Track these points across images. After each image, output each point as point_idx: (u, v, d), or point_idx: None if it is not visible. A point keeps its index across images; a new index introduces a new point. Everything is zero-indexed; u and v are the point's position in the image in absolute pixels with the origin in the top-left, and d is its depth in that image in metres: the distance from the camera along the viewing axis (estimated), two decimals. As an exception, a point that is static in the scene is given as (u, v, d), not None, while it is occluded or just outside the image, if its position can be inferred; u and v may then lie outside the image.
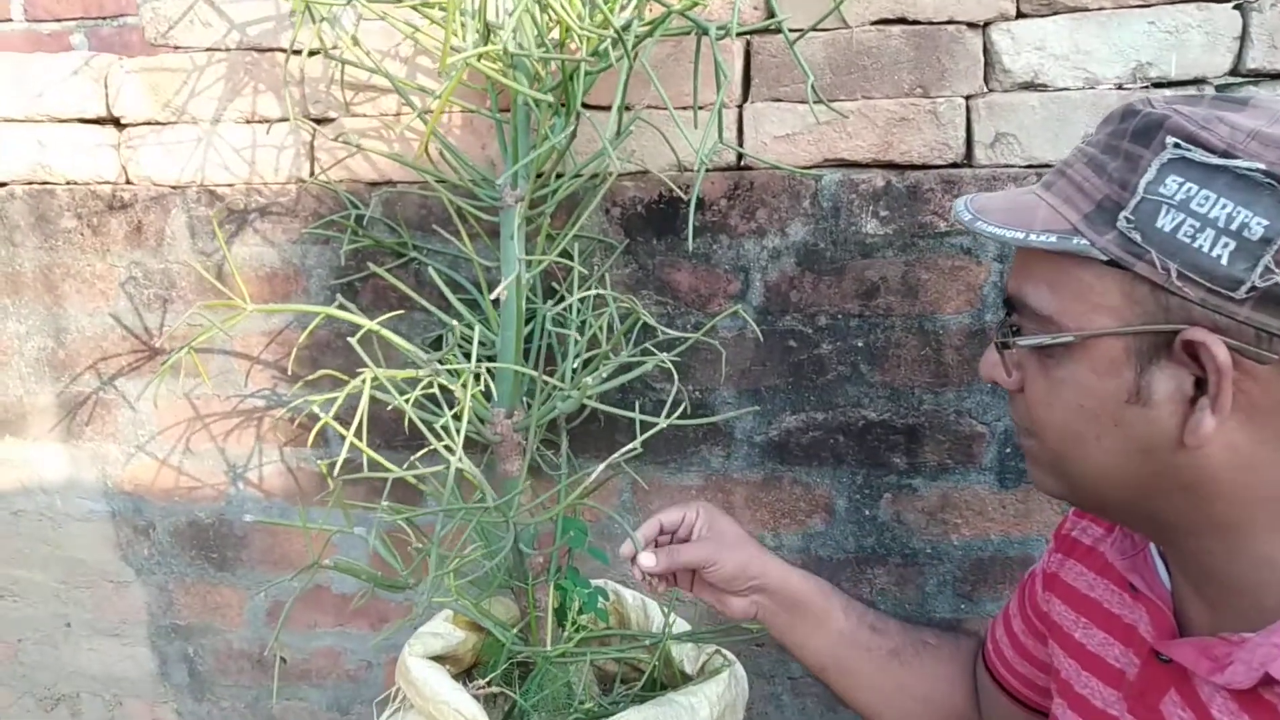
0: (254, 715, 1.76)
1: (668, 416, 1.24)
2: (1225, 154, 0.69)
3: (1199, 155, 0.70)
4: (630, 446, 1.20)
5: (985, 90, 1.37)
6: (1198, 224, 0.69)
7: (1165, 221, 0.70)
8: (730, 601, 1.16)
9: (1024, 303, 0.80)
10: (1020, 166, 1.37)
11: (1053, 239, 0.75)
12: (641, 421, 1.26)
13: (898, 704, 1.16)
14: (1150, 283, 0.71)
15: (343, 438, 1.58)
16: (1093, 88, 1.34)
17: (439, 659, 1.31)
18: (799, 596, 1.14)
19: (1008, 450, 1.43)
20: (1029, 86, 1.35)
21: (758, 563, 1.14)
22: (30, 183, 1.63)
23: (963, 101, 1.37)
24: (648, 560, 1.13)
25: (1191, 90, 1.33)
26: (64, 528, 1.74)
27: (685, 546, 1.16)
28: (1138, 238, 0.71)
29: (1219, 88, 1.32)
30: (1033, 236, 0.75)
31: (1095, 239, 0.73)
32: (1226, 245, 0.68)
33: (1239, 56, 1.31)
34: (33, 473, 1.73)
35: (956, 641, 1.20)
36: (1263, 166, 0.67)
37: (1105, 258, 0.72)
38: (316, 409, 1.08)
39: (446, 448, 1.16)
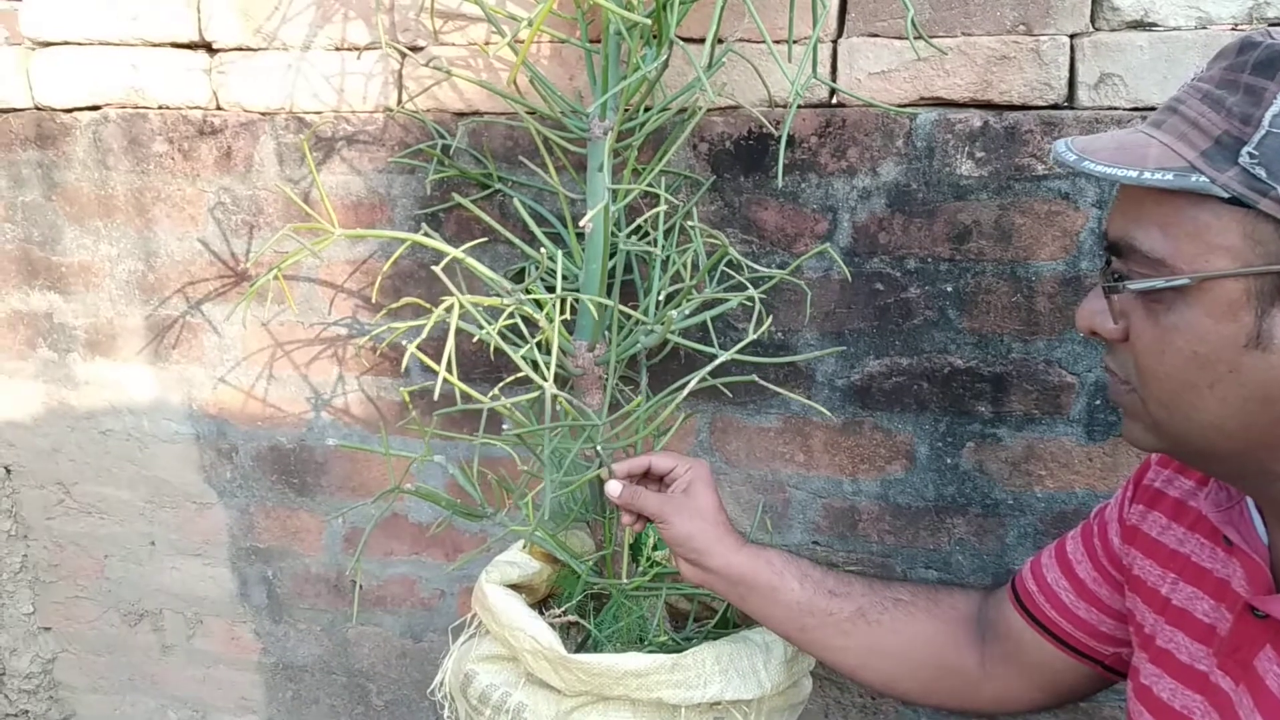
0: (329, 639, 1.79)
1: (754, 338, 1.23)
2: None
3: None
4: (708, 369, 1.20)
5: (1091, 29, 1.32)
6: None
7: None
8: (679, 562, 1.20)
9: (1131, 246, 0.77)
10: (1125, 109, 1.32)
11: (1169, 176, 0.72)
12: (718, 356, 1.25)
13: (873, 665, 1.15)
14: (1274, 221, 0.68)
15: (423, 367, 1.59)
16: (1205, 28, 1.28)
17: (514, 588, 1.32)
18: (743, 576, 1.16)
19: (1097, 402, 1.40)
20: (1138, 25, 1.30)
21: (703, 539, 1.17)
22: (124, 106, 1.65)
23: (1067, 40, 1.32)
24: (613, 488, 1.20)
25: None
26: (150, 448, 1.78)
27: (647, 494, 1.20)
28: (1262, 174, 0.68)
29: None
30: (1147, 175, 0.72)
31: (1215, 176, 0.70)
32: None
33: (1366, -4, 1.25)
34: (121, 393, 1.77)
35: (934, 595, 1.19)
36: None
37: (1226, 195, 0.69)
38: (404, 341, 1.08)
39: (536, 375, 1.16)
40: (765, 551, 1.18)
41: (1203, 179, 0.70)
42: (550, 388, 1.10)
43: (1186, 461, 0.91)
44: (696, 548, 1.16)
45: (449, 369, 1.10)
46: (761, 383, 1.29)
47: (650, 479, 1.24)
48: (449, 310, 1.10)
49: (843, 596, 1.15)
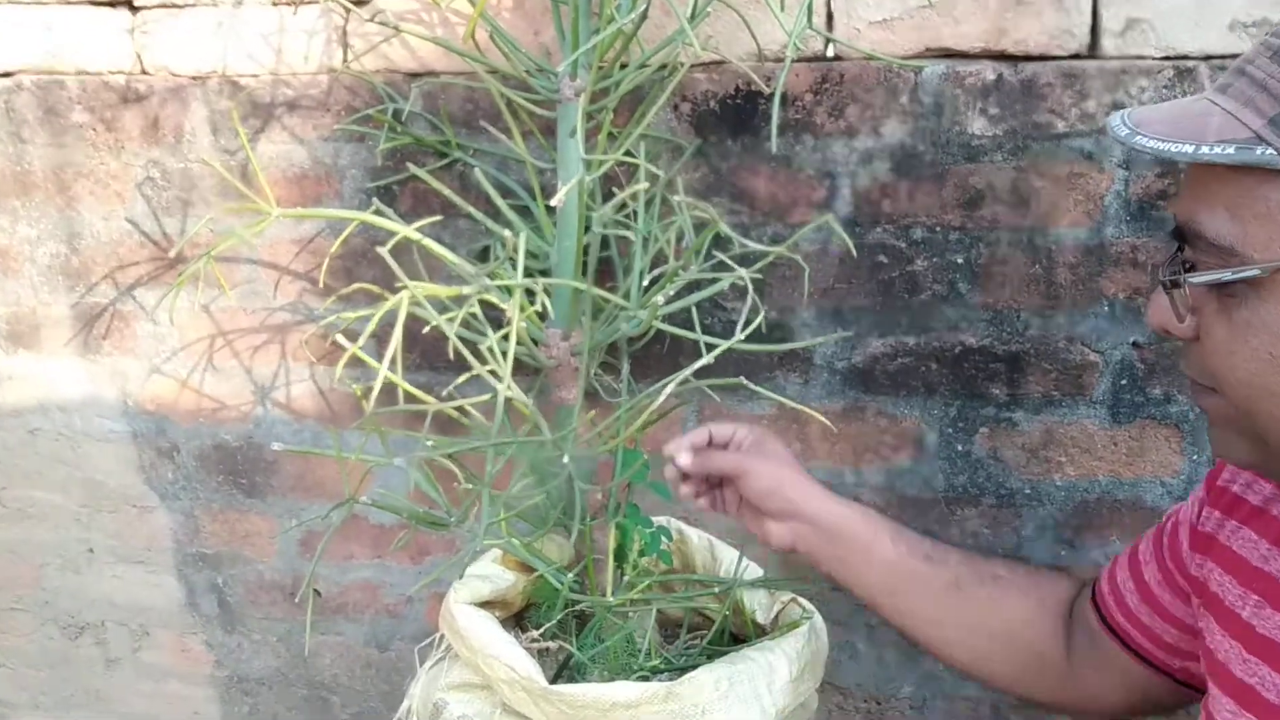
0: (287, 649, 1.66)
1: (742, 338, 1.10)
2: None
3: None
4: (702, 362, 1.06)
5: (1117, -33, 1.18)
6: None
7: None
8: (768, 526, 1.10)
9: (1197, 231, 0.65)
10: (1154, 59, 1.19)
11: (1230, 150, 0.60)
12: (711, 343, 1.11)
13: (967, 642, 1.06)
14: None
15: (381, 357, 1.44)
16: (1246, -36, 1.15)
17: (486, 604, 1.19)
18: (840, 525, 1.07)
19: (1123, 382, 1.28)
20: (1170, -38, 1.17)
21: (793, 486, 1.08)
22: (39, 72, 1.48)
23: (1090, -20, 1.19)
24: (684, 459, 1.11)
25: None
26: (83, 448, 1.63)
27: (721, 453, 1.11)
28: None
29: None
30: (1204, 150, 0.61)
31: None
32: None
33: None
34: (49, 389, 1.61)
35: (1032, 576, 1.10)
36: None
37: None
38: (343, 340, 0.96)
39: (493, 373, 1.02)
40: (858, 505, 1.11)
41: (1269, 152, 0.59)
42: (505, 391, 0.97)
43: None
44: (790, 495, 1.08)
45: (397, 367, 0.97)
46: (752, 386, 1.16)
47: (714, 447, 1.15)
48: (401, 302, 0.96)
49: (939, 564, 1.07)
